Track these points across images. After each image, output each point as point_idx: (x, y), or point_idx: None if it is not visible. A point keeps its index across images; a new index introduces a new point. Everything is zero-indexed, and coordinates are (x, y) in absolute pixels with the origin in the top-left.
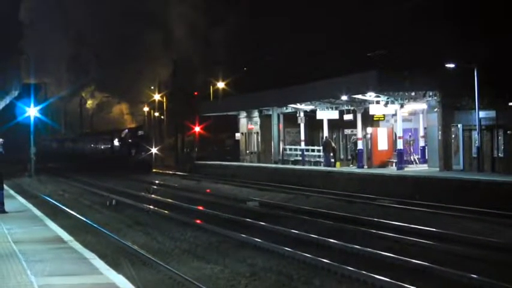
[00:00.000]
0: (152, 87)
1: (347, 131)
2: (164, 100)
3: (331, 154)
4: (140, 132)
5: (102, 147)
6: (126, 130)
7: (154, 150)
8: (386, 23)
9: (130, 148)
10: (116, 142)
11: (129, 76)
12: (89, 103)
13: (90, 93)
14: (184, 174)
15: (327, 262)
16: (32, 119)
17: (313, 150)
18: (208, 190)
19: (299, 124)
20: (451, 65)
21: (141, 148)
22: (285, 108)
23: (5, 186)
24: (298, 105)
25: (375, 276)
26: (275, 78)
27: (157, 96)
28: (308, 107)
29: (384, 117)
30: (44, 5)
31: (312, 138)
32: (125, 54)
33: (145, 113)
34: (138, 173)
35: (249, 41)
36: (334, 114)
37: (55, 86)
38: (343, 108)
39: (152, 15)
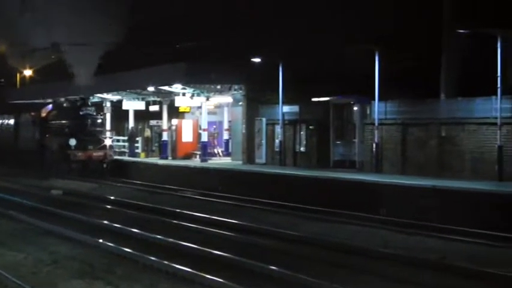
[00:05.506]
0: None
1: (153, 122)
2: None
3: (136, 144)
4: (88, 111)
5: None
6: (50, 106)
7: (108, 142)
8: (198, 16)
9: (66, 137)
10: (30, 126)
11: None
12: None
13: None
14: None
15: (128, 251)
16: None
17: (118, 140)
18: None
19: (105, 114)
20: (257, 59)
21: (92, 138)
22: (91, 97)
23: None
24: (104, 95)
25: (177, 266)
26: None
27: None
28: (115, 97)
29: (189, 110)
30: None
31: (118, 128)
32: None
33: None
34: None
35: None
36: (141, 105)
37: None
38: (150, 100)
39: None
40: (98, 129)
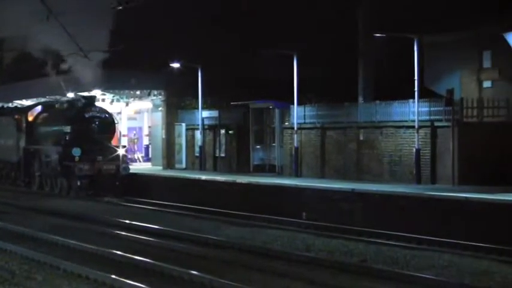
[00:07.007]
0: None
1: None
2: None
3: None
4: (95, 112)
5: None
6: (39, 108)
7: (122, 152)
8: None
9: (67, 146)
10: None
11: None
12: None
13: None
14: None
15: (48, 257)
16: None
17: None
18: None
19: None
20: (176, 65)
21: (101, 147)
22: (10, 104)
23: None
24: (24, 102)
25: (97, 272)
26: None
27: None
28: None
29: None
30: None
31: None
32: None
33: None
34: None
35: None
36: None
37: None
38: None
39: None
40: (109, 135)
